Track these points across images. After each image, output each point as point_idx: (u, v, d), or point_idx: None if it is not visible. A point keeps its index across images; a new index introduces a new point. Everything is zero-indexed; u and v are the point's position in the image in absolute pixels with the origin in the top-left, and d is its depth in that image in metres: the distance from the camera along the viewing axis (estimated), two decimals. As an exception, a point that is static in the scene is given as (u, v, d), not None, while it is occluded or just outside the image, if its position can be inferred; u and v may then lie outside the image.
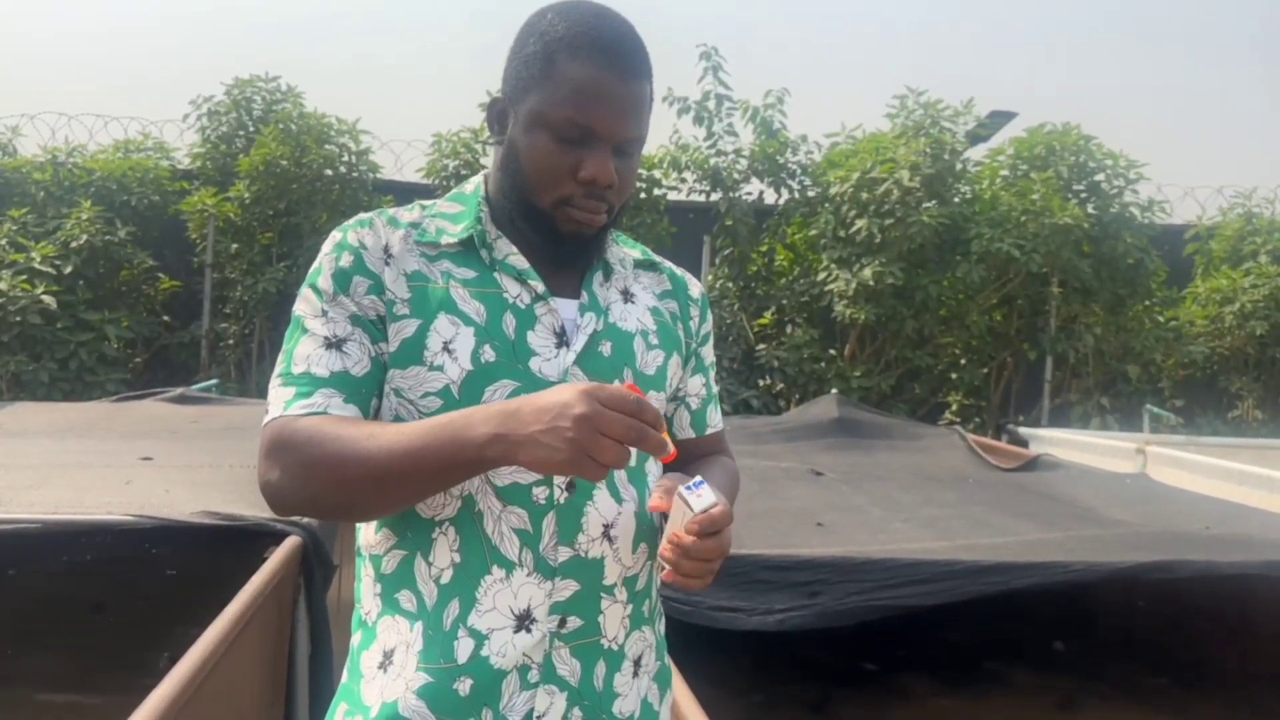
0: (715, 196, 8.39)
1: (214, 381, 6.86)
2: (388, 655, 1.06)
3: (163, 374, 8.16)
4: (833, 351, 8.30)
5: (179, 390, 5.00)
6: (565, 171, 1.05)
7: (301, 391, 1.02)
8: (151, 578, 2.93)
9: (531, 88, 1.05)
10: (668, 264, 1.28)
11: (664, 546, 1.00)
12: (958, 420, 8.04)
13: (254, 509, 2.28)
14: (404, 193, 8.50)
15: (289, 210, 8.12)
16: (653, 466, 1.15)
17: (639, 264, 1.23)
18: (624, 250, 1.22)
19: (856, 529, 2.68)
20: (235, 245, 8.15)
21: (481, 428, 0.92)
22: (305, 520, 2.28)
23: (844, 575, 2.14)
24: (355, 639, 1.11)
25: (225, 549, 2.26)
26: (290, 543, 2.18)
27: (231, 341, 8.16)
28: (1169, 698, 2.89)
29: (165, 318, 8.48)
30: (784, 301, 8.39)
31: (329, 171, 8.20)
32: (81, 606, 3.12)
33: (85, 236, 7.63)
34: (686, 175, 8.39)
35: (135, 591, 3.06)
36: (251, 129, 8.54)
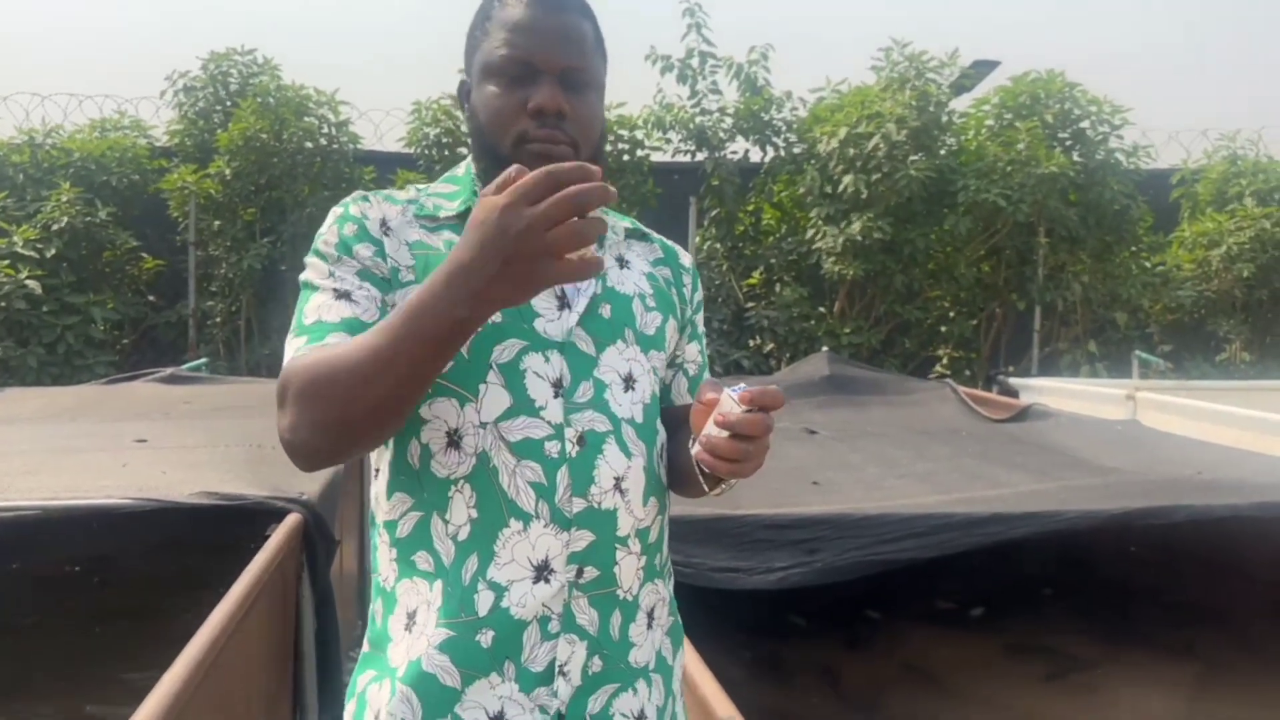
0: (701, 156, 8.34)
1: (203, 360, 6.84)
2: (411, 616, 1.08)
3: (151, 354, 8.13)
4: (822, 309, 8.31)
5: (169, 371, 5.00)
6: (516, 109, 1.09)
7: (313, 338, 1.03)
8: (154, 560, 2.94)
9: (476, 48, 1.13)
10: (657, 235, 1.31)
11: (710, 420, 0.99)
12: (948, 373, 8.09)
13: (253, 488, 2.28)
14: (385, 163, 8.43)
15: (270, 185, 8.05)
16: (660, 427, 1.17)
17: (630, 233, 1.26)
18: (613, 220, 1.24)
19: (852, 486, 2.71)
20: (218, 222, 8.08)
21: (446, 299, 0.89)
22: (305, 497, 2.29)
23: (842, 532, 2.17)
24: (376, 607, 1.13)
25: (226, 529, 2.27)
26: (291, 520, 2.19)
27: (219, 319, 8.13)
28: (1165, 641, 2.94)
29: (151, 298, 8.42)
30: (772, 260, 8.38)
31: (309, 144, 8.12)
32: (84, 591, 3.14)
33: (66, 219, 7.56)
34: (671, 135, 8.34)
35: (138, 574, 3.08)
36: (229, 104, 8.43)
